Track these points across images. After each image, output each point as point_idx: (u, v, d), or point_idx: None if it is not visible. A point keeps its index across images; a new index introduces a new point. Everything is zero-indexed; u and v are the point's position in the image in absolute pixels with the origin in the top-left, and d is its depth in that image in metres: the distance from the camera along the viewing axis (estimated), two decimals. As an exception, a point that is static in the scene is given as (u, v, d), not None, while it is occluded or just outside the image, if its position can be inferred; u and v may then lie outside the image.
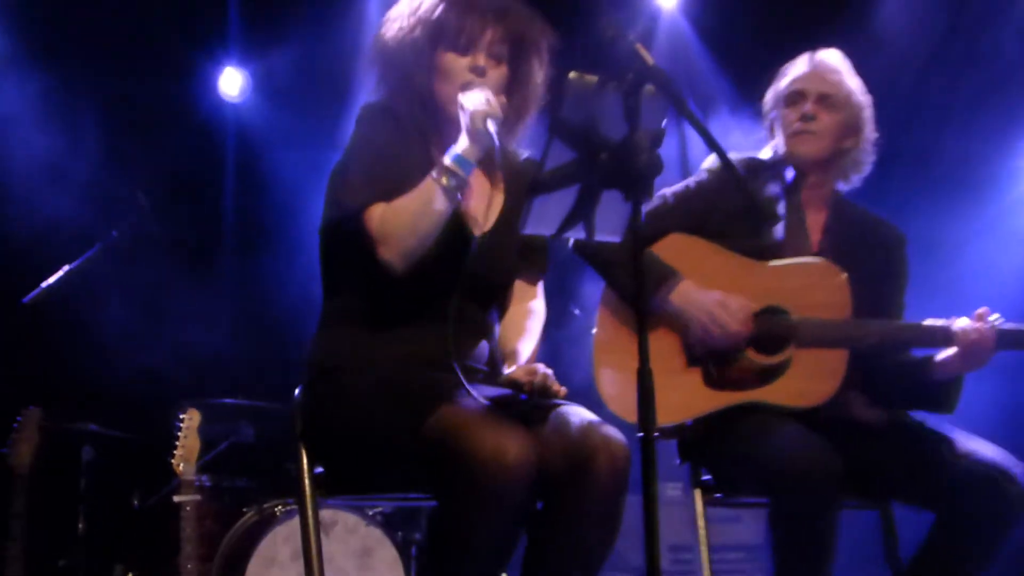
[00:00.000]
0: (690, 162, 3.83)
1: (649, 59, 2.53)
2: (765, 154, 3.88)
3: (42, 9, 6.17)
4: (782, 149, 3.80)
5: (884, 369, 3.68)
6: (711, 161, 3.83)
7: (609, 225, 2.58)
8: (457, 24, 3.03)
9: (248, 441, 5.52)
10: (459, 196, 2.91)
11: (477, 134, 2.88)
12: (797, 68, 3.84)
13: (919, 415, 3.67)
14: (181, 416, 4.71)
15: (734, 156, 3.78)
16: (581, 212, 2.55)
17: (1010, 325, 3.55)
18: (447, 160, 2.89)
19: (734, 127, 4.30)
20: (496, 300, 3.18)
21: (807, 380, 3.54)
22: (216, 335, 6.28)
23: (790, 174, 3.81)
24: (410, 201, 2.89)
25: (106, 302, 5.94)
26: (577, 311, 6.07)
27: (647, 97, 2.49)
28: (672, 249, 3.65)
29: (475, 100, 2.91)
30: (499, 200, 3.15)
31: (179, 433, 4.69)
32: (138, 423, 5.41)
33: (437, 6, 3.05)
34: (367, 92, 3.11)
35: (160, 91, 6.39)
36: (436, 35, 3.04)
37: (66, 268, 5.25)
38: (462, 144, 2.90)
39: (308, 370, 3.04)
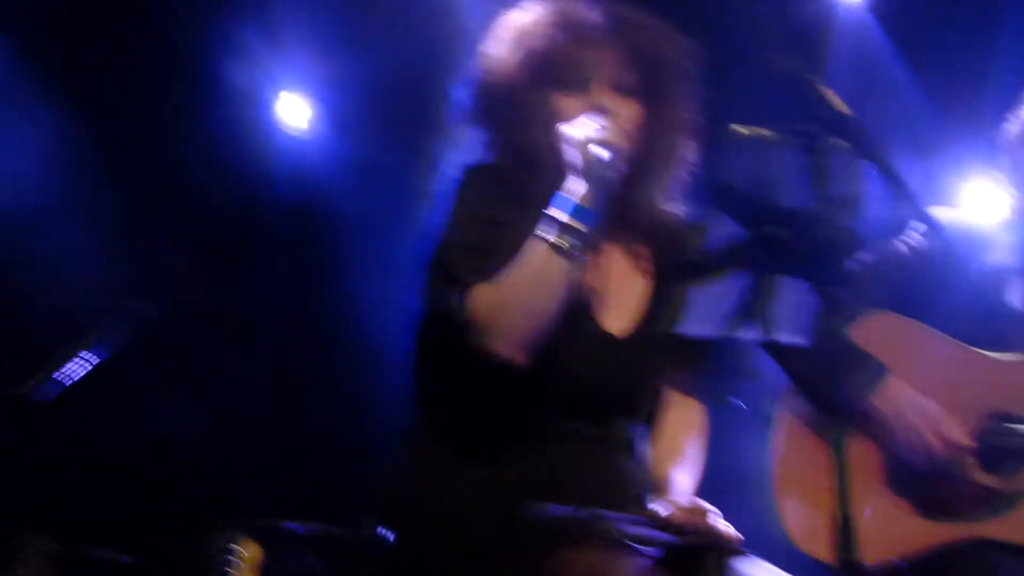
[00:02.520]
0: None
1: (837, 103, 2.52)
2: (999, 204, 3.82)
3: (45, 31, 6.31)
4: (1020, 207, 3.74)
5: None
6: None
7: (791, 322, 2.56)
8: (565, 54, 3.04)
9: (313, 572, 5.53)
10: (580, 256, 2.86)
11: (591, 169, 2.85)
12: None
13: None
14: (231, 546, 4.72)
15: (947, 216, 3.74)
16: (753, 306, 2.53)
17: None
18: (558, 212, 2.86)
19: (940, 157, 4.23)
20: (637, 412, 3.16)
21: None
22: (271, 434, 6.33)
23: None
24: (517, 272, 2.85)
25: (127, 391, 6.01)
26: (739, 403, 6.00)
27: (836, 154, 2.47)
28: (878, 332, 3.60)
29: (583, 128, 2.90)
30: (639, 280, 3.13)
31: (229, 570, 4.70)
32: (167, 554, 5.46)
33: (544, 33, 3.07)
34: (464, 146, 3.13)
35: (200, 125, 6.49)
36: (544, 72, 3.05)
37: (85, 355, 5.34)
38: (574, 187, 2.87)
39: (385, 498, 3.04)
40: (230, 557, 4.72)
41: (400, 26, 6.34)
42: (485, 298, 2.87)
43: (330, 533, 5.50)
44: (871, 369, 3.55)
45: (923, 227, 3.76)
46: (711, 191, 2.49)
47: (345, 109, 6.75)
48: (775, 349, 3.64)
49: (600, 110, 3.00)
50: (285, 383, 6.67)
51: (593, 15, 3.09)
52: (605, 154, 2.85)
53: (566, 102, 3.04)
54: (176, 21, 6.26)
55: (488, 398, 2.97)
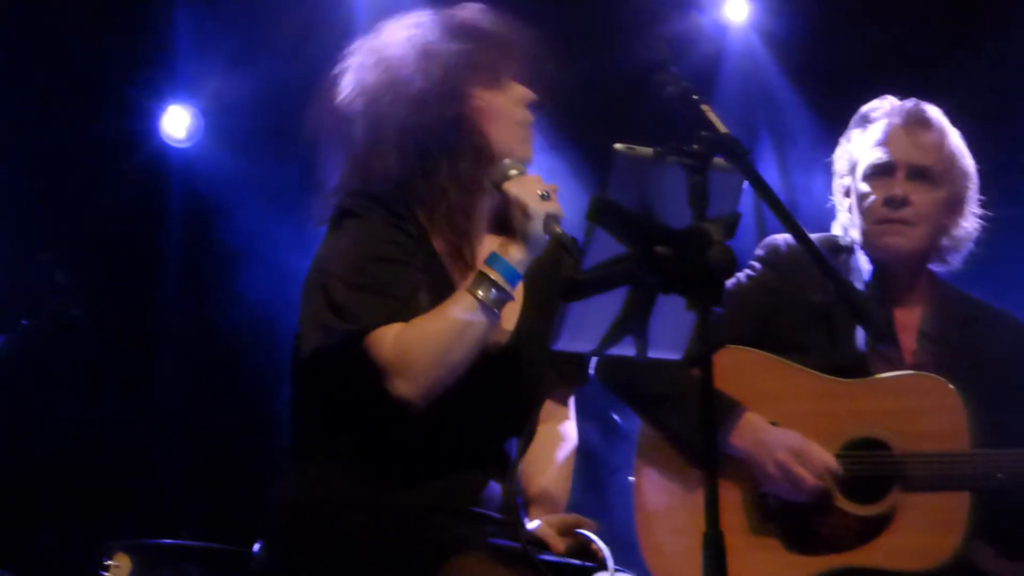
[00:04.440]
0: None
1: (719, 124, 2.51)
2: (836, 231, 3.85)
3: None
4: (859, 236, 3.75)
5: (1019, 511, 3.63)
6: (774, 247, 3.79)
7: (667, 340, 2.55)
8: (482, 58, 3.04)
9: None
10: (498, 314, 2.86)
11: (536, 241, 2.86)
12: (880, 127, 3.78)
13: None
14: (107, 563, 4.67)
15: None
16: (631, 323, 2.52)
17: None
18: (489, 269, 2.85)
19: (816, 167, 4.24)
20: (516, 426, 3.14)
21: (920, 534, 3.51)
22: (154, 452, 6.25)
23: (868, 267, 3.77)
24: (437, 323, 2.84)
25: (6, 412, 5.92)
26: (617, 417, 6.01)
27: (717, 173, 2.46)
28: (727, 368, 3.50)
29: (533, 192, 2.88)
30: (518, 295, 3.11)
31: (104, 585, 4.66)
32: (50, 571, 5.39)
33: (444, 47, 3.04)
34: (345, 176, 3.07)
35: (87, 135, 6.41)
36: (468, 71, 3.03)
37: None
38: (512, 249, 2.87)
39: (275, 516, 3.00)
40: (103, 572, 4.67)
41: (291, 40, 6.31)
42: (391, 341, 2.84)
43: (210, 549, 5.44)
44: (723, 408, 3.54)
45: (773, 243, 3.79)
46: (592, 208, 2.47)
47: (233, 123, 6.70)
48: (635, 394, 3.65)
49: (531, 101, 3.04)
50: (171, 396, 6.60)
51: (489, 22, 3.08)
52: (560, 212, 2.86)
53: (489, 96, 3.04)
54: (66, 32, 6.19)
55: (374, 422, 2.94)
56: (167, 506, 6.08)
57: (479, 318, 2.83)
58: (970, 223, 3.80)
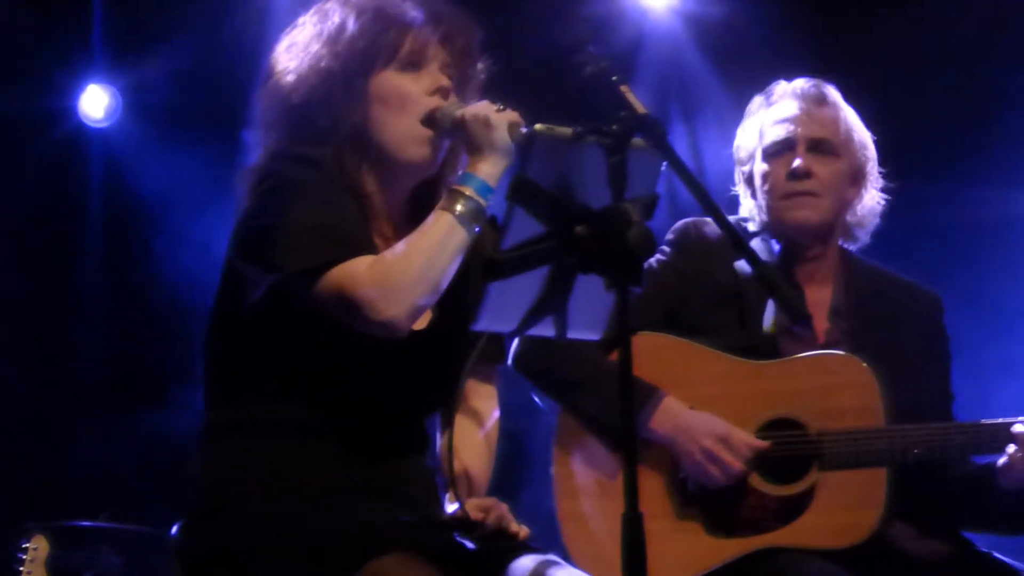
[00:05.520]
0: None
1: (638, 105, 2.51)
2: (744, 214, 3.87)
3: None
4: (766, 214, 3.78)
5: (936, 486, 3.67)
6: (683, 231, 3.81)
7: (585, 320, 2.55)
8: (396, 38, 3.01)
9: (113, 574, 5.45)
10: (477, 228, 2.86)
11: (504, 150, 2.85)
12: (779, 109, 3.81)
13: (985, 546, 3.67)
14: (24, 545, 4.63)
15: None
16: (549, 303, 2.52)
17: None
18: (461, 187, 2.85)
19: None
20: (437, 404, 3.14)
21: (839, 512, 3.52)
22: (72, 433, 6.20)
23: (775, 246, 3.79)
24: (417, 243, 2.82)
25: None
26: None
27: (635, 154, 2.46)
28: (640, 353, 3.49)
29: (489, 107, 2.89)
30: None
31: (22, 568, 4.62)
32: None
33: (363, 22, 3.02)
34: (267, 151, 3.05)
35: (3, 112, 6.35)
36: (372, 55, 3.01)
37: None
38: (481, 164, 2.86)
39: (192, 499, 2.98)
40: (22, 556, 4.64)
41: (208, 18, 6.28)
42: (378, 267, 2.80)
43: (130, 531, 5.42)
44: (642, 394, 3.55)
45: (684, 228, 3.81)
46: (512, 187, 2.47)
47: (151, 101, 6.67)
48: (551, 381, 3.66)
49: (443, 92, 3.00)
50: (91, 376, 6.56)
51: (409, 5, 3.07)
52: (520, 119, 2.84)
53: (399, 80, 3.01)
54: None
55: (299, 395, 2.93)
56: (86, 488, 6.03)
57: (458, 232, 2.82)
58: (872, 198, 3.83)
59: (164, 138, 6.66)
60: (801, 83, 3.81)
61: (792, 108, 3.77)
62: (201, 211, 5.99)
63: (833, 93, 3.82)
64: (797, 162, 3.71)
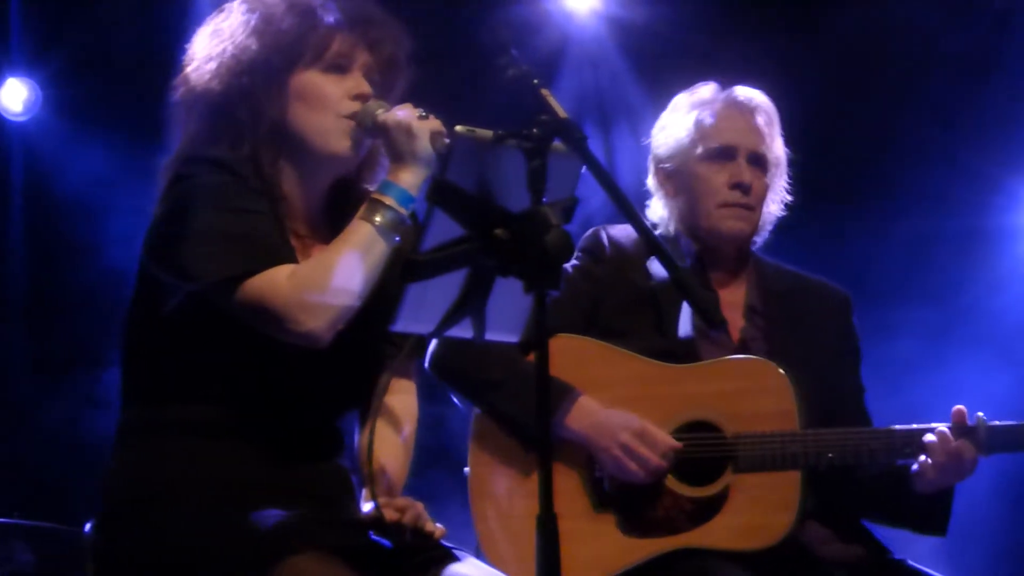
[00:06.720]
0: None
1: (558, 108, 2.52)
2: (653, 215, 3.87)
3: None
4: (695, 217, 3.79)
5: (848, 485, 3.71)
6: (594, 236, 3.82)
7: (503, 322, 2.56)
8: (324, 38, 3.00)
9: (26, 571, 5.39)
10: (397, 238, 2.86)
11: (426, 159, 2.86)
12: (722, 114, 3.81)
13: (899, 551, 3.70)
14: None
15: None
16: (468, 305, 2.52)
17: (1001, 423, 3.58)
18: (382, 196, 2.86)
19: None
20: (354, 405, 3.13)
21: (753, 514, 3.55)
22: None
23: (687, 247, 3.82)
24: (336, 253, 2.83)
25: None
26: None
27: (555, 157, 2.47)
28: (556, 356, 3.51)
29: (411, 114, 2.89)
30: None
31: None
32: None
33: (292, 18, 3.00)
34: (184, 145, 3.03)
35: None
36: (298, 52, 2.99)
37: None
38: (403, 174, 2.87)
39: (107, 496, 2.96)
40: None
41: (128, 9, 6.24)
42: (298, 278, 2.80)
43: (42, 528, 5.37)
44: (558, 393, 3.56)
45: (601, 233, 3.82)
46: (432, 190, 2.47)
47: (70, 95, 6.62)
48: (467, 383, 3.66)
49: (363, 98, 2.99)
50: (9, 371, 6.51)
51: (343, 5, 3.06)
52: (443, 127, 2.86)
53: (321, 80, 3.00)
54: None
55: (217, 393, 2.92)
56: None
57: (378, 243, 2.84)
58: (778, 205, 3.88)
59: (84, 131, 6.60)
60: (746, 92, 3.83)
61: (735, 116, 3.79)
62: (122, 205, 5.95)
63: (766, 101, 3.84)
64: (745, 176, 3.73)
